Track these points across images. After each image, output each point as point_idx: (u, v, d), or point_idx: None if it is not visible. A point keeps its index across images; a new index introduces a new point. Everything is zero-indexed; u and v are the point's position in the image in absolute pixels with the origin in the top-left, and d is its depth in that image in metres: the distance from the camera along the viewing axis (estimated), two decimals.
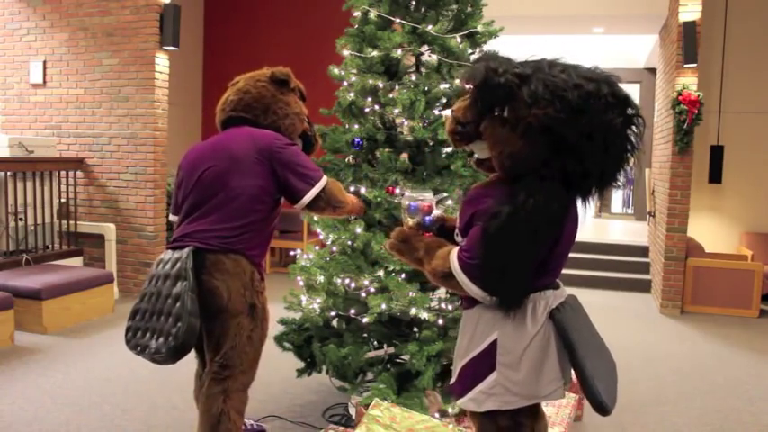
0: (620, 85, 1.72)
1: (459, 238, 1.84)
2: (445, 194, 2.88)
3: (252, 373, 2.41)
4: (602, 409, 1.69)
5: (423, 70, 3.13)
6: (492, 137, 1.73)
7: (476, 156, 1.88)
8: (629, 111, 1.69)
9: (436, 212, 1.96)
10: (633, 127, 1.70)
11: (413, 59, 3.18)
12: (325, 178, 2.41)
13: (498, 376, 1.75)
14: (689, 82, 5.65)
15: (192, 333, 2.15)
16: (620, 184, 1.77)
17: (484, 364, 1.77)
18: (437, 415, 2.76)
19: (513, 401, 1.75)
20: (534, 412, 1.85)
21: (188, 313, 2.14)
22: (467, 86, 1.81)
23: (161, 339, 2.18)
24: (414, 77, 3.11)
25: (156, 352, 2.18)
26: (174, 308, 2.16)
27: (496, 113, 1.71)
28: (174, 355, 2.17)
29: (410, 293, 2.84)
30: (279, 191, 2.38)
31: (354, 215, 2.82)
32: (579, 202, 1.80)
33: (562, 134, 1.61)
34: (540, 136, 1.64)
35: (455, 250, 1.76)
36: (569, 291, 1.88)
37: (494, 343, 1.76)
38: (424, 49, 3.09)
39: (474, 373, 1.80)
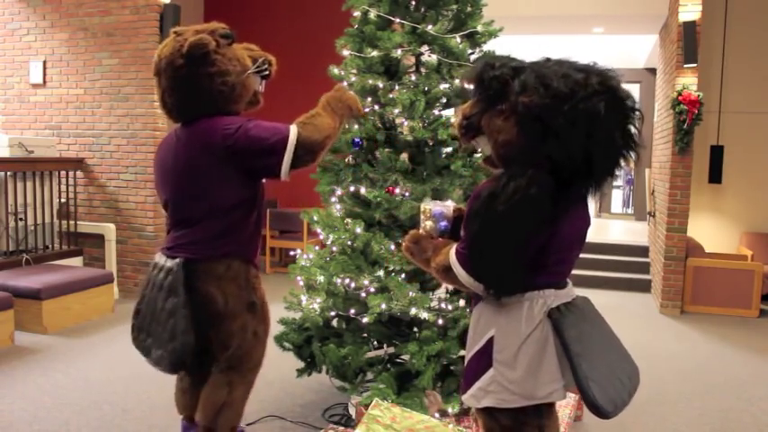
0: (621, 82, 1.73)
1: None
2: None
3: (259, 369, 2.42)
4: (596, 409, 1.67)
5: (423, 70, 3.13)
6: (489, 127, 1.78)
7: (482, 153, 1.92)
8: (628, 102, 1.70)
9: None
10: (629, 120, 1.71)
11: (413, 59, 3.18)
12: (292, 133, 2.16)
13: (495, 373, 1.77)
14: (689, 82, 5.65)
15: (187, 350, 2.19)
16: (616, 175, 1.77)
17: (482, 360, 1.80)
18: (437, 415, 2.76)
19: (510, 400, 1.75)
20: (541, 413, 1.83)
21: (181, 332, 2.17)
22: (467, 84, 1.87)
23: (160, 351, 2.23)
24: (414, 77, 3.10)
25: (157, 363, 2.26)
26: (169, 323, 2.19)
27: (497, 108, 1.76)
28: (172, 370, 2.27)
29: (410, 293, 2.84)
30: (253, 177, 2.25)
31: (351, 120, 2.33)
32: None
33: (545, 119, 1.64)
34: (530, 123, 1.68)
35: (455, 244, 1.81)
36: None
37: (491, 340, 1.79)
38: (424, 49, 3.09)
39: (475, 369, 1.83)
